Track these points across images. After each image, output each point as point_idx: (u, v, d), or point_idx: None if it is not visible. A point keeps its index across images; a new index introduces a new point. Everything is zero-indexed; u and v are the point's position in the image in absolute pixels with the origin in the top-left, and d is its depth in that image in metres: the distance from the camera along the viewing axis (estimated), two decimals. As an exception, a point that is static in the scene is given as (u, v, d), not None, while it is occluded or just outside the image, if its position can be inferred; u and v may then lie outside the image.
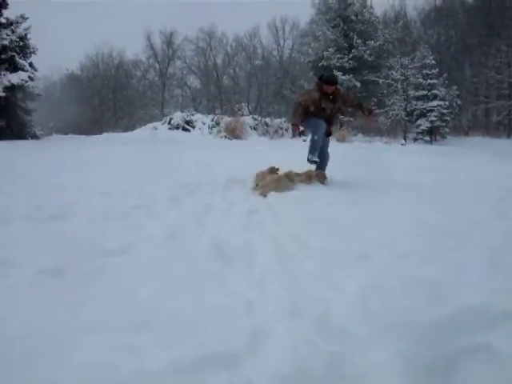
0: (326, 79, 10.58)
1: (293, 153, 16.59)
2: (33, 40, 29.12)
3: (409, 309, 3.95)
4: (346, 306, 4.06)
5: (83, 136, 35.44)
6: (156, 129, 39.70)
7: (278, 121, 41.92)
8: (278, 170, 10.31)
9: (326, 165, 11.02)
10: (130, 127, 47.46)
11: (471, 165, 17.37)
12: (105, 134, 39.14)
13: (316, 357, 3.25)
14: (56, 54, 67.26)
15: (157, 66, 78.55)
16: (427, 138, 44.37)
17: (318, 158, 10.63)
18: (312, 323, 3.77)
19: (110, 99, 69.17)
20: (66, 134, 40.59)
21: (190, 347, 3.34)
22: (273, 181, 9.37)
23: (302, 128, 10.98)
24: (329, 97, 10.56)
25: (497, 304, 3.94)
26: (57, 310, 3.90)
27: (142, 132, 39.86)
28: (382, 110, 47.69)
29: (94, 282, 4.50)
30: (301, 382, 3.04)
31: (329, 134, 11.03)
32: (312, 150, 10.59)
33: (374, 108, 12.66)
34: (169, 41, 77.22)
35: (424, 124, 44.09)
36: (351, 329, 3.67)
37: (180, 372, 3.08)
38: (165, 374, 3.06)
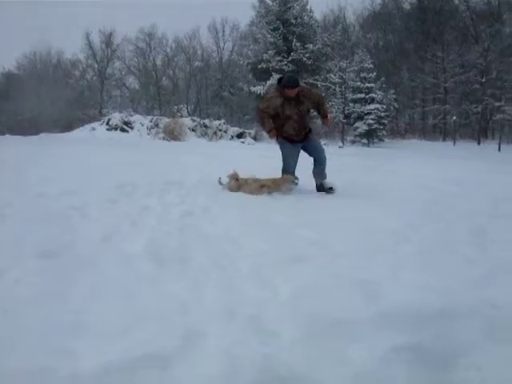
0: (285, 83, 9.70)
1: (233, 155, 16.66)
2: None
3: (342, 308, 3.99)
4: (280, 307, 4.08)
5: (20, 136, 34.78)
6: (94, 129, 39.26)
7: (216, 122, 41.85)
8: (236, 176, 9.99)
9: (322, 170, 10.26)
10: (68, 128, 46.73)
11: (407, 167, 17.67)
12: (42, 135, 38.55)
13: (248, 358, 3.25)
14: (-9, 52, 65.98)
15: (95, 65, 77.70)
16: (365, 141, 44.91)
17: (315, 165, 10.25)
18: (245, 324, 3.76)
19: (48, 99, 68.07)
20: (2, 134, 39.81)
21: (122, 349, 3.30)
22: (258, 188, 9.48)
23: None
24: (292, 101, 9.80)
25: (429, 303, 4.03)
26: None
27: (80, 133, 39.39)
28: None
29: (27, 285, 4.43)
30: (233, 382, 3.04)
31: (306, 134, 10.26)
32: (288, 171, 10.16)
33: (330, 113, 12.07)
34: (108, 40, 76.45)
35: (362, 127, 44.64)
36: (284, 330, 3.68)
37: (112, 374, 3.04)
38: (99, 377, 3.02)
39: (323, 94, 50.96)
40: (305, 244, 5.85)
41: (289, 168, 10.11)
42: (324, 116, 10.33)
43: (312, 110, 10.59)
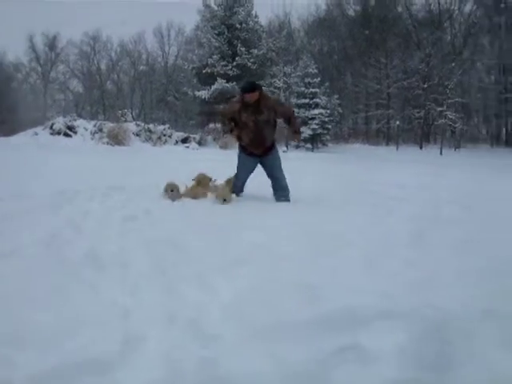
0: (241, 87, 9.48)
1: (178, 159, 16.61)
2: None
3: (282, 311, 4.01)
4: (221, 311, 4.08)
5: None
6: (37, 134, 38.68)
7: (161, 127, 41.64)
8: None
9: (287, 192, 9.72)
10: (10, 132, 45.92)
11: (351, 171, 17.86)
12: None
13: (188, 361, 3.25)
14: None
15: (39, 69, 76.70)
16: (309, 146, 45.25)
17: (273, 189, 9.74)
18: (186, 328, 3.76)
19: (-11, 102, 66.94)
20: None
21: (60, 355, 3.25)
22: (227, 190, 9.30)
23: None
24: (250, 108, 9.26)
25: (369, 305, 4.07)
26: None
27: (23, 137, 38.74)
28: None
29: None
30: None
31: (266, 149, 9.69)
32: (239, 190, 9.89)
33: (300, 130, 11.82)
34: (52, 44, 75.54)
35: (306, 132, 44.89)
36: (224, 333, 3.68)
37: (50, 381, 3.01)
38: None
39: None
40: (248, 247, 5.86)
41: (238, 179, 9.79)
42: (294, 131, 10.00)
43: (281, 122, 10.35)
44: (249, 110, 9.26)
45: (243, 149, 9.75)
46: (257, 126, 9.31)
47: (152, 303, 4.24)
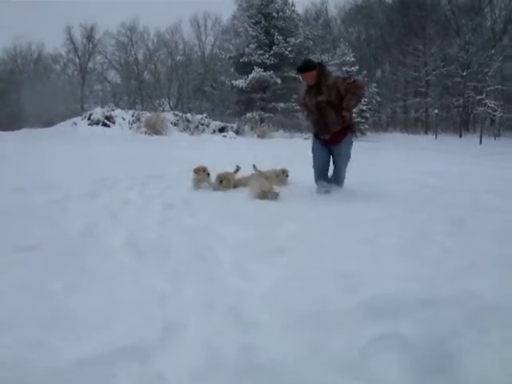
0: (297, 67, 8.70)
1: (218, 150, 16.64)
2: None
3: (323, 298, 3.99)
4: (261, 298, 4.07)
5: (1, 132, 34.45)
6: (75, 124, 39.04)
7: (198, 117, 41.76)
8: (204, 170, 9.32)
9: (339, 183, 9.02)
10: (49, 123, 46.30)
11: (389, 160, 17.71)
12: (23, 130, 38.18)
13: (228, 348, 3.24)
14: (-31, 47, 65.43)
15: (77, 60, 77.26)
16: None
17: (329, 179, 8.98)
18: (226, 315, 3.75)
19: (29, 94, 67.43)
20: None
21: (100, 341, 3.28)
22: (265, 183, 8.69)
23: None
24: (312, 89, 8.52)
25: (409, 292, 4.03)
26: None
27: (62, 128, 39.14)
28: (302, 107, 48.09)
29: (5, 278, 4.39)
30: (212, 374, 3.01)
31: (334, 137, 8.62)
32: (315, 179, 9.09)
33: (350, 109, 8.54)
34: (89, 35, 76.03)
35: (344, 120, 44.59)
36: (265, 320, 3.68)
37: (90, 366, 3.02)
38: (75, 369, 2.99)
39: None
40: (287, 236, 5.83)
41: (314, 169, 9.08)
42: (340, 113, 8.36)
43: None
44: (311, 92, 8.56)
45: (315, 135, 9.00)
46: (318, 109, 8.48)
47: (192, 290, 4.26)
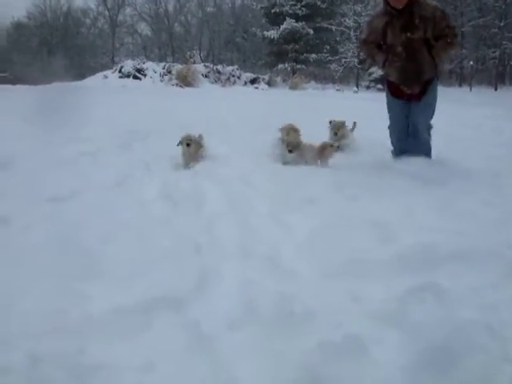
0: None
1: (249, 100, 16.53)
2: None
3: (357, 249, 3.97)
4: (296, 247, 4.07)
5: (32, 86, 34.61)
6: (106, 77, 39.03)
7: (229, 68, 41.55)
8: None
9: (428, 153, 6.88)
10: (80, 76, 46.39)
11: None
12: (54, 84, 38.33)
13: (264, 297, 3.24)
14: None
15: (106, 13, 76.90)
16: (380, 86, 44.46)
17: (410, 144, 6.82)
18: (261, 264, 3.76)
19: (59, 48, 67.37)
20: (14, 84, 39.54)
21: (136, 291, 3.30)
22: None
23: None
24: (399, 21, 6.24)
25: (442, 244, 3.98)
26: (3, 258, 3.82)
27: (93, 81, 39.16)
28: (334, 58, 47.69)
29: (40, 229, 4.41)
30: (249, 322, 3.02)
31: (418, 95, 6.59)
32: (392, 142, 7.22)
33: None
34: (119, -13, 75.63)
35: (376, 72, 44.10)
36: (300, 269, 3.68)
37: (125, 315, 3.05)
38: (111, 318, 3.03)
39: (337, 39, 50.47)
40: (319, 188, 5.77)
41: (390, 133, 7.14)
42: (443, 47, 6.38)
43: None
44: (397, 25, 6.24)
45: (390, 87, 6.83)
46: (408, 50, 6.28)
47: (226, 239, 4.26)
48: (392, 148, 7.22)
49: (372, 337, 2.84)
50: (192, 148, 7.24)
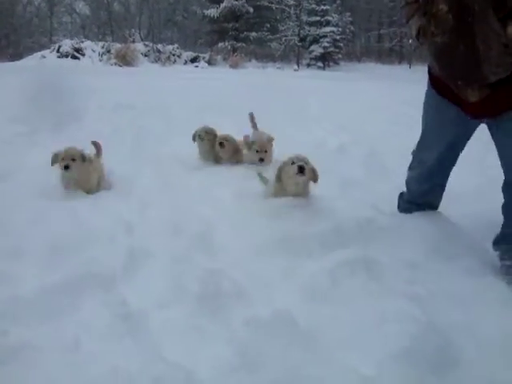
0: None
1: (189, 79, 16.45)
2: None
3: (290, 226, 4.00)
4: (227, 225, 4.10)
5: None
6: (44, 57, 38.27)
7: (169, 47, 41.16)
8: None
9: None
10: (16, 56, 45.47)
11: (363, 90, 17.65)
12: (-10, 64, 37.50)
13: (193, 274, 3.25)
14: None
15: (43, -9, 75.44)
16: (320, 64, 44.70)
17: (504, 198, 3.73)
18: (192, 242, 3.77)
19: (-5, 27, 65.86)
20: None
21: (64, 270, 3.26)
22: None
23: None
24: None
25: (376, 218, 4.05)
26: None
27: (30, 61, 38.39)
28: (275, 36, 47.73)
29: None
30: (177, 300, 3.04)
31: (492, 104, 3.57)
32: (410, 179, 4.41)
33: None
34: (56, -37, 74.12)
35: (317, 50, 44.30)
36: (233, 246, 3.71)
37: (54, 295, 3.02)
38: (37, 298, 2.98)
39: (278, 17, 50.43)
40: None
41: (415, 159, 4.32)
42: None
43: None
44: None
45: (433, 82, 4.09)
46: (461, 13, 3.35)
47: (157, 218, 4.26)
48: (404, 190, 4.52)
49: (302, 311, 2.87)
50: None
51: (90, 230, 3.97)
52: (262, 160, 5.92)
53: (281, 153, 5.54)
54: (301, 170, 4.22)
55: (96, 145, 5.31)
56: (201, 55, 41.78)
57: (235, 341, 2.64)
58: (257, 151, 5.96)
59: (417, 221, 4.05)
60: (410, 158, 4.33)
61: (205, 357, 2.54)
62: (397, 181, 4.74)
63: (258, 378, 2.38)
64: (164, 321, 2.84)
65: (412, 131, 7.73)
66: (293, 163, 4.27)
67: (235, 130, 6.74)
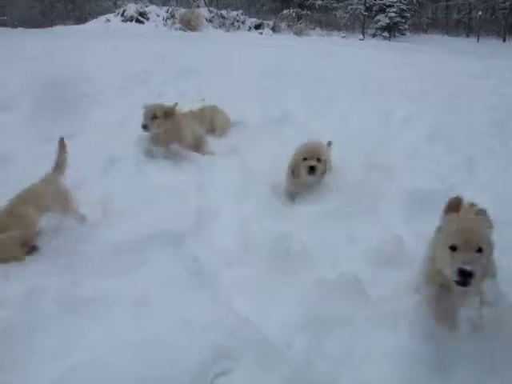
0: None
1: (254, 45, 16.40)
2: None
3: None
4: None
5: (34, 29, 34.28)
6: (109, 21, 38.58)
7: (234, 13, 41.04)
8: None
9: None
10: (81, 20, 45.88)
11: (428, 60, 17.33)
12: (56, 27, 37.91)
13: (262, 235, 3.29)
14: None
15: (110, -46, 75.71)
16: (386, 34, 44.01)
17: None
18: (259, 204, 3.82)
19: (61, -10, 66.38)
20: (14, 27, 39.08)
21: (136, 227, 3.35)
22: None
23: None
24: None
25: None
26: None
27: (94, 24, 38.67)
28: (340, 4, 47.22)
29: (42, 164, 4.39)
30: (246, 259, 3.11)
31: None
32: None
33: None
34: None
35: (383, 20, 43.61)
36: (298, 210, 3.79)
37: (123, 251, 3.11)
38: (111, 254, 3.10)
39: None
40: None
41: None
42: None
43: None
44: None
45: None
46: None
47: (226, 180, 4.33)
48: None
49: (368, 275, 2.91)
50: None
51: (161, 188, 4.06)
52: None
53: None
54: (311, 170, 4.10)
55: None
56: (265, 22, 41.59)
57: (304, 301, 2.69)
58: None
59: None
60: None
61: (274, 314, 2.61)
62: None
63: (326, 338, 2.44)
64: (234, 278, 2.93)
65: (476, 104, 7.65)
66: (305, 159, 4.13)
67: (300, 94, 6.75)
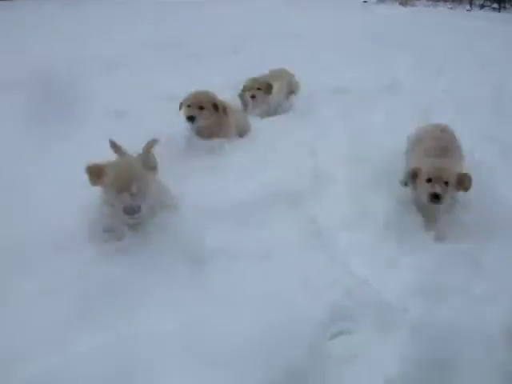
0: None
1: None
2: None
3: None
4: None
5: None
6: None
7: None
8: None
9: None
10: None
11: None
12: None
13: (379, 202, 3.36)
14: None
15: None
16: (495, 6, 42.46)
17: None
18: (377, 171, 3.78)
19: None
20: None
21: (254, 188, 3.45)
22: None
23: None
24: None
25: None
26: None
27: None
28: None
29: (155, 120, 4.64)
30: (363, 223, 3.17)
31: None
32: None
33: None
34: None
35: (492, -10, 42.17)
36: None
37: (246, 208, 3.22)
38: (231, 210, 3.19)
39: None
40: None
41: None
42: None
43: None
44: None
45: None
46: None
47: (340, 145, 4.39)
48: None
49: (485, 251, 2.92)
50: None
51: (276, 150, 4.18)
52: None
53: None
54: (435, 197, 3.15)
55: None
56: (370, -9, 40.85)
57: (420, 268, 2.73)
58: None
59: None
60: None
61: (391, 278, 2.66)
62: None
63: (440, 306, 2.43)
64: (352, 242, 2.99)
65: None
66: (429, 180, 3.18)
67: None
